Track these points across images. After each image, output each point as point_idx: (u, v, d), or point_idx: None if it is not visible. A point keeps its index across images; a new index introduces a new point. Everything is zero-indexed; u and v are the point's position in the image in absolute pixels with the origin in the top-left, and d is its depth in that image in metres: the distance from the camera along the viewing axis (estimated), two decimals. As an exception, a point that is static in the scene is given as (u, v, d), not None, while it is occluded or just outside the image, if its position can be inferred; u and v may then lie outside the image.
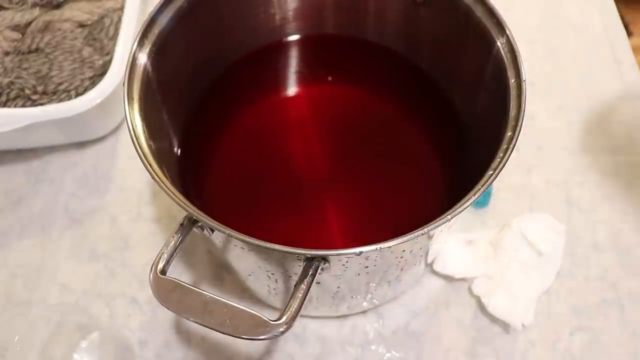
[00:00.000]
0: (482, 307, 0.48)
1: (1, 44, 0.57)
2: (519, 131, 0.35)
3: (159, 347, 0.47)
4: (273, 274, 0.38)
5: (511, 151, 0.34)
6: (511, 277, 0.48)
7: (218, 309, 0.31)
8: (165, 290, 0.32)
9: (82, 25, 0.58)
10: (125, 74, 0.38)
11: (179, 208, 0.33)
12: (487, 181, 0.33)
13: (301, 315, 0.37)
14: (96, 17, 0.58)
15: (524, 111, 0.36)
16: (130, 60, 0.38)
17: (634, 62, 0.62)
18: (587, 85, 0.61)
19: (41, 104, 0.53)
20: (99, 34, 0.57)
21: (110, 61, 0.53)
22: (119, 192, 0.54)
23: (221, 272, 0.50)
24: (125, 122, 0.36)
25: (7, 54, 0.56)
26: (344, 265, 0.34)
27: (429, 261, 0.48)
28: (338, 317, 0.48)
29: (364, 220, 0.46)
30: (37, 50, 0.56)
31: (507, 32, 0.39)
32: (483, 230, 0.51)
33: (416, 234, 0.31)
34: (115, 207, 0.54)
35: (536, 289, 0.48)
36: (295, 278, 0.33)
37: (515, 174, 0.55)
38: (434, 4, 0.45)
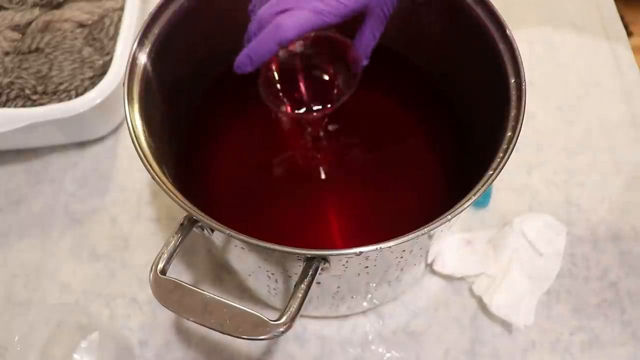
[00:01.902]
0: (482, 307, 0.48)
1: (1, 44, 0.57)
2: (519, 131, 0.35)
3: (159, 347, 0.47)
4: (273, 274, 0.38)
5: (511, 151, 0.34)
6: (512, 277, 0.48)
7: (218, 309, 0.31)
8: (165, 290, 0.32)
9: (82, 25, 0.58)
10: (125, 74, 0.38)
11: (179, 208, 0.33)
12: (487, 181, 0.33)
13: (301, 316, 0.37)
14: (96, 17, 0.58)
15: (524, 111, 0.36)
16: (130, 60, 0.38)
17: (634, 62, 0.62)
18: (587, 85, 0.61)
19: (41, 104, 0.53)
20: (99, 34, 0.57)
21: (110, 61, 0.53)
22: (119, 192, 0.54)
23: (221, 272, 0.50)
24: (125, 122, 0.37)
25: (7, 54, 0.56)
26: (344, 265, 0.34)
27: (428, 261, 0.48)
28: (338, 317, 0.48)
29: (364, 221, 0.46)
30: (37, 50, 0.56)
31: (507, 32, 0.39)
32: (483, 230, 0.51)
33: (416, 234, 0.31)
34: (115, 207, 0.54)
35: (536, 289, 0.48)
36: (295, 278, 0.32)
37: (515, 174, 0.55)
38: (434, 4, 0.45)
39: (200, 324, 0.31)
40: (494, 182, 0.33)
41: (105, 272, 0.50)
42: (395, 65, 0.52)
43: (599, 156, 0.56)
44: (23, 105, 0.53)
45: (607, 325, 0.48)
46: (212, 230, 0.33)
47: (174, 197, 0.33)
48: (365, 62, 0.42)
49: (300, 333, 0.47)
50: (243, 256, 0.37)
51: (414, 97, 0.51)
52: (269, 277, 0.38)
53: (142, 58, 0.39)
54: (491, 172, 0.34)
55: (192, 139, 0.48)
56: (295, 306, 0.31)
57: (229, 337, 0.31)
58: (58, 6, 0.60)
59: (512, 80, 0.38)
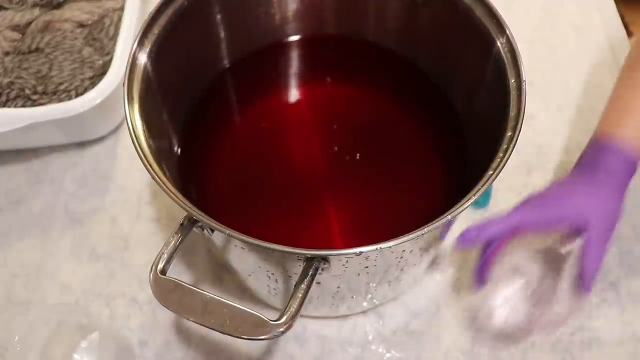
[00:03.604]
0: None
1: (1, 44, 0.57)
2: (519, 131, 0.35)
3: (159, 347, 0.47)
4: (273, 274, 0.38)
5: (511, 151, 0.34)
6: None
7: (218, 309, 0.31)
8: (165, 290, 0.32)
9: (82, 25, 0.58)
10: (125, 74, 0.38)
11: (179, 208, 0.33)
12: (487, 181, 0.33)
13: (301, 316, 0.37)
14: (96, 17, 0.58)
15: (524, 111, 0.36)
16: (130, 60, 0.38)
17: (634, 62, 0.62)
18: (587, 85, 0.61)
19: (41, 104, 0.53)
20: (99, 34, 0.57)
21: (110, 61, 0.53)
22: (119, 192, 0.54)
23: (221, 272, 0.50)
24: (125, 122, 0.37)
25: (7, 54, 0.56)
26: (344, 265, 0.34)
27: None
28: (338, 317, 0.48)
29: (364, 220, 0.46)
30: (37, 50, 0.56)
31: (507, 32, 0.39)
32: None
33: (416, 234, 0.31)
34: (115, 207, 0.54)
35: None
36: (295, 278, 0.33)
37: (515, 174, 0.55)
38: (434, 4, 0.45)
39: (200, 324, 0.31)
40: (494, 182, 0.33)
41: (105, 272, 0.50)
42: (395, 66, 0.52)
43: (599, 156, 0.56)
44: (23, 105, 0.53)
45: (607, 325, 0.48)
46: (212, 230, 0.33)
47: (174, 197, 0.33)
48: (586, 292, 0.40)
49: (300, 333, 0.47)
50: (243, 256, 0.37)
51: (414, 98, 0.51)
52: (269, 277, 0.38)
53: (142, 58, 0.39)
54: (491, 172, 0.34)
55: (192, 139, 0.48)
56: (295, 306, 0.31)
57: (229, 337, 0.31)
58: (58, 6, 0.60)
59: (512, 81, 0.38)
